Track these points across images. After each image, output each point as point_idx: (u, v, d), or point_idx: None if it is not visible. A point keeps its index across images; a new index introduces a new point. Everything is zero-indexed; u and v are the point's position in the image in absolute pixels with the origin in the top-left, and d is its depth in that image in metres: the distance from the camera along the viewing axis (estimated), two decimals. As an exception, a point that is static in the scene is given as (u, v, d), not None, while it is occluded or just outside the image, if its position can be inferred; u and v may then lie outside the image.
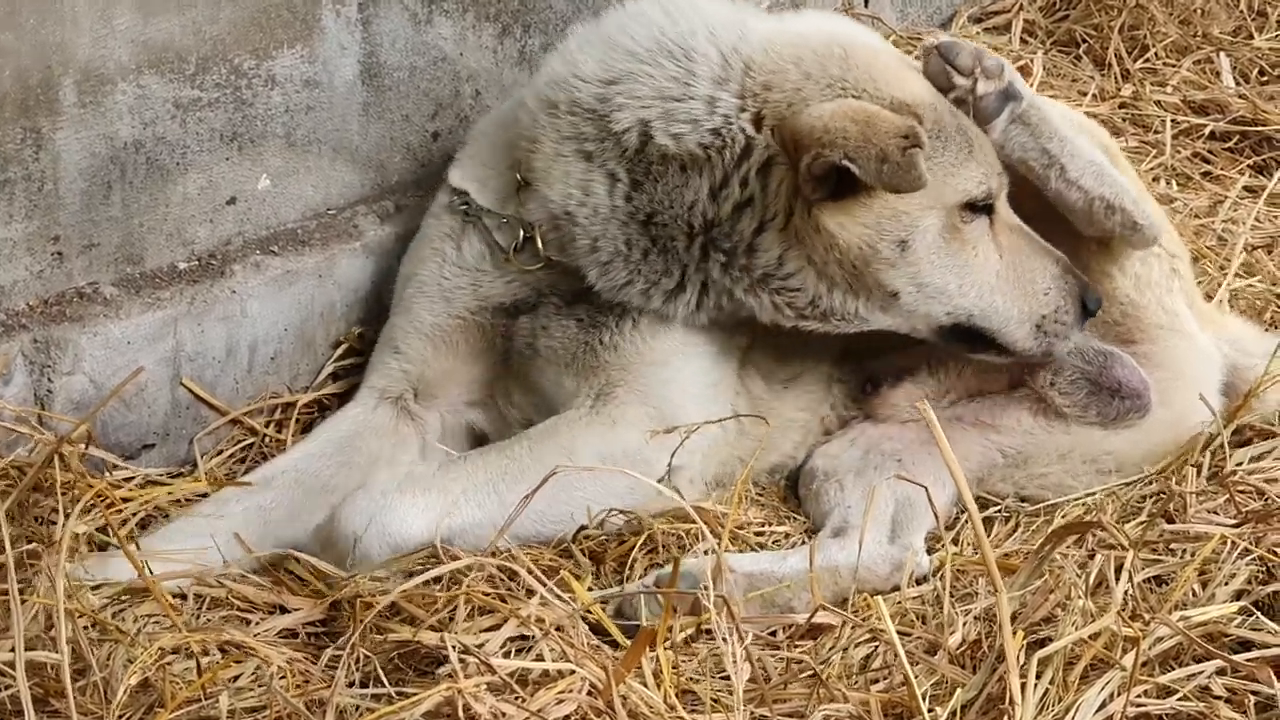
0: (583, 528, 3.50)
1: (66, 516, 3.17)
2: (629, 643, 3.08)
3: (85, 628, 3.03)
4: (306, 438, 3.77)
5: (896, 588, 3.46)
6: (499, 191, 3.77)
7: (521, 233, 3.70)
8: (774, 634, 3.34)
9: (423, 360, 3.79)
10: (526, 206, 3.70)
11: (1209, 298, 4.43)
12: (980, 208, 3.65)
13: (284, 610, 3.29)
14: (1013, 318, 3.68)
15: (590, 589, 3.35)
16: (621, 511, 3.51)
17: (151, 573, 3.23)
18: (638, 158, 3.59)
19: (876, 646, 3.23)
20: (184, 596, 3.27)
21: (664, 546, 3.45)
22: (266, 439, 3.85)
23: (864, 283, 3.59)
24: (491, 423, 3.83)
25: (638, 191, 3.60)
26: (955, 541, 3.61)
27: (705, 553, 3.40)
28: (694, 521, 3.42)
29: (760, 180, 3.56)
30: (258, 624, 3.23)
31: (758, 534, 3.63)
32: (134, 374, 3.61)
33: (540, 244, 3.68)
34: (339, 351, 4.02)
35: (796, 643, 3.30)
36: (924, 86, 3.65)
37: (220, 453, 3.83)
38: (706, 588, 3.12)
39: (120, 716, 2.84)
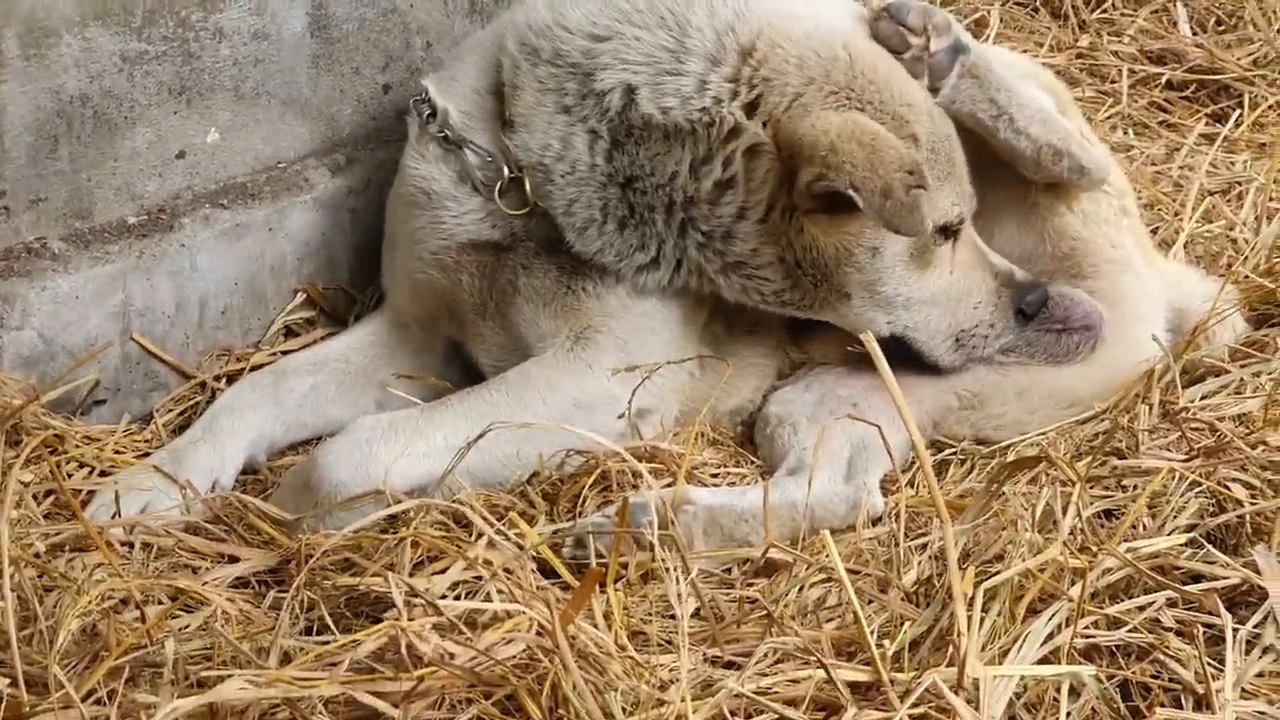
0: (535, 474, 3.49)
1: (9, 466, 3.15)
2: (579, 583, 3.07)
3: (33, 578, 3.01)
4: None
5: (853, 527, 3.46)
6: (482, 124, 3.68)
7: (506, 172, 3.63)
8: (729, 571, 3.33)
9: (404, 300, 3.83)
10: (514, 144, 3.62)
11: (1167, 244, 4.43)
12: (950, 231, 3.65)
13: (234, 560, 3.28)
14: (940, 333, 3.69)
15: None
16: (579, 452, 3.50)
17: (121, 513, 3.29)
18: (619, 119, 3.55)
19: (831, 586, 3.22)
20: (131, 545, 3.26)
21: (619, 485, 3.44)
22: (217, 394, 3.83)
23: (828, 282, 3.58)
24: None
25: (619, 152, 3.56)
26: (911, 485, 3.60)
27: (666, 486, 3.40)
28: (652, 460, 3.41)
29: (745, 162, 3.52)
30: (207, 572, 3.22)
31: (713, 475, 3.62)
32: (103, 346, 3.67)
33: (529, 188, 3.62)
34: (291, 305, 3.99)
35: (751, 581, 3.29)
36: (921, 96, 3.61)
37: (170, 410, 3.81)
38: (652, 522, 3.11)
39: (64, 663, 2.82)
